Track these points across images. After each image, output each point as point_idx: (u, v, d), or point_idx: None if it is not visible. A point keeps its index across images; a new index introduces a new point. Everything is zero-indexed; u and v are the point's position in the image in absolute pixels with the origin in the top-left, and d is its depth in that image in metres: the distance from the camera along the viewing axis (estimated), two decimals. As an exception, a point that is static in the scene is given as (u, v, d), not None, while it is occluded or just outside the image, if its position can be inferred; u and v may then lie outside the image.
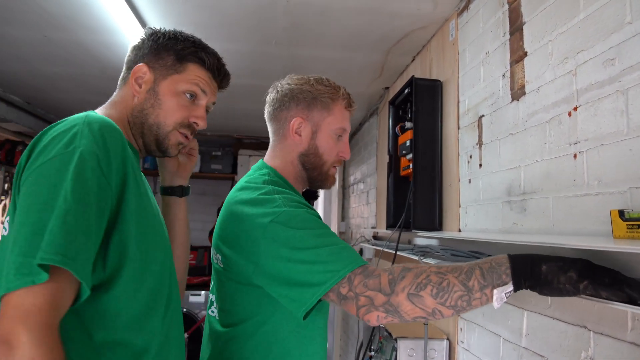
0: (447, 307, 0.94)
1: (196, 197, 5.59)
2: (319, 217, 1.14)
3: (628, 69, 1.07)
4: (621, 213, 0.98)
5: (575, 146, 1.23)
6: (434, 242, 2.17)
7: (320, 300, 1.01)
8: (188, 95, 1.15)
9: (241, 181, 1.30)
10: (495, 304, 0.94)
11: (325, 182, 1.33)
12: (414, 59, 2.71)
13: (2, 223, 0.93)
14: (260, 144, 5.26)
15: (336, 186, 5.55)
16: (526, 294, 1.42)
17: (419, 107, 2.21)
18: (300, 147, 1.30)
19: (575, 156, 1.23)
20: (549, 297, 1.31)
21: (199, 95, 1.17)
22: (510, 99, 1.58)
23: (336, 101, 1.31)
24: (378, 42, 2.53)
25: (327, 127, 1.29)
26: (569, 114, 1.26)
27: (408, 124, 2.31)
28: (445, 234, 2.03)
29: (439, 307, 0.95)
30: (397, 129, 2.47)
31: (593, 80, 1.18)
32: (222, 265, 1.21)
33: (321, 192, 7.21)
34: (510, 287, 0.93)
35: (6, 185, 3.97)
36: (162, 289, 1.02)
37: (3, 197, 3.98)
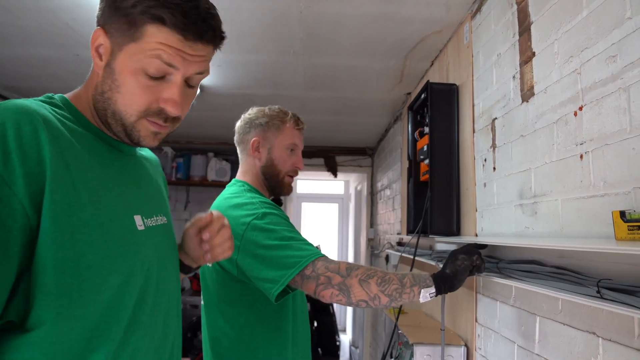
0: (385, 294, 1.24)
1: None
2: (288, 219, 1.44)
3: (629, 65, 1.03)
4: (622, 214, 0.95)
5: (582, 146, 1.19)
6: (453, 247, 2.13)
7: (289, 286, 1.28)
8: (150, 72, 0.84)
9: (223, 193, 1.57)
10: (421, 299, 1.27)
11: (282, 188, 1.62)
12: (432, 64, 2.69)
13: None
14: (288, 153, 5.31)
15: (364, 193, 5.54)
16: (538, 299, 1.38)
17: (435, 112, 2.19)
18: (260, 162, 1.60)
19: (581, 157, 1.19)
20: (559, 303, 1.27)
21: (166, 69, 0.84)
22: (521, 101, 1.54)
23: (285, 122, 1.61)
24: (395, 48, 2.53)
25: (279, 144, 1.60)
26: (575, 114, 1.23)
27: (426, 129, 2.29)
28: (462, 238, 1.99)
29: (380, 294, 1.24)
30: (416, 133, 2.45)
31: (597, 78, 1.14)
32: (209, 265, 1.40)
33: (352, 199, 7.20)
34: (433, 290, 1.28)
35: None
36: (114, 322, 0.78)
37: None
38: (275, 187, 1.61)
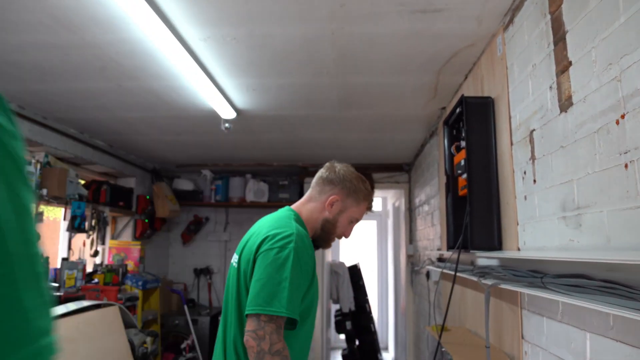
0: None
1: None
2: (314, 267, 1.50)
3: (672, 70, 1.00)
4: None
5: (626, 155, 1.15)
6: (494, 262, 2.08)
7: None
8: None
9: (273, 214, 1.65)
10: None
11: (325, 244, 1.72)
12: (466, 77, 2.67)
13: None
14: (325, 171, 5.31)
15: (402, 209, 5.49)
16: (587, 315, 1.33)
17: (471, 126, 2.16)
18: (327, 214, 1.69)
19: (626, 166, 1.15)
20: (611, 319, 1.21)
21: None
22: (559, 111, 1.51)
23: (365, 201, 1.73)
24: (427, 64, 2.52)
25: (350, 213, 1.71)
26: (617, 122, 1.19)
27: (463, 143, 2.26)
28: (504, 253, 1.95)
29: None
30: (453, 148, 2.42)
31: (639, 85, 1.11)
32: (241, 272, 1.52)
33: (390, 216, 7.13)
34: None
35: (93, 222, 4.30)
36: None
37: (91, 232, 4.31)
38: (321, 240, 1.71)
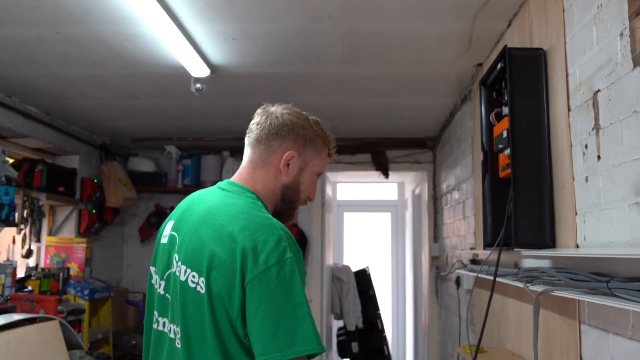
0: None
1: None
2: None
3: None
4: None
5: None
6: (545, 263, 2.09)
7: None
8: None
9: (229, 202, 1.49)
10: None
11: (290, 216, 1.65)
12: (510, 24, 2.66)
13: None
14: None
15: (424, 197, 5.51)
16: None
17: (517, 86, 2.16)
18: (285, 179, 1.59)
19: None
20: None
21: None
22: (632, 65, 1.50)
23: (325, 147, 1.65)
24: (460, 5, 2.51)
25: (312, 168, 1.63)
26: None
27: (505, 109, 2.26)
28: (558, 251, 1.96)
29: None
30: (492, 116, 2.42)
31: None
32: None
33: (408, 206, 7.17)
34: None
35: (25, 212, 4.29)
36: None
37: (22, 226, 4.31)
38: (284, 212, 1.63)
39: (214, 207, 1.47)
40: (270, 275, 1.31)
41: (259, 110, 1.65)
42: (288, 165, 1.58)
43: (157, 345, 1.51)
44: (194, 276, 1.40)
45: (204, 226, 1.43)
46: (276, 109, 1.62)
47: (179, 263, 1.44)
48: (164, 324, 1.50)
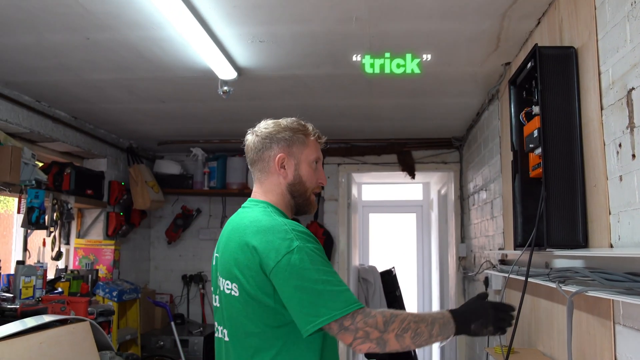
0: (415, 345, 1.60)
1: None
2: (323, 251, 1.68)
3: None
4: None
5: None
6: (577, 263, 2.08)
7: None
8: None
9: (247, 216, 1.79)
10: (439, 344, 1.70)
11: (309, 206, 1.92)
12: (539, 22, 2.64)
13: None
14: (351, 149, 5.32)
15: (451, 197, 5.49)
16: None
17: (548, 85, 2.15)
18: (287, 179, 1.86)
19: None
20: None
21: None
22: (668, 63, 1.49)
23: (309, 136, 1.90)
24: (488, 4, 2.51)
25: (306, 159, 1.88)
26: None
27: (535, 109, 2.26)
28: (592, 251, 1.95)
29: (411, 345, 1.60)
30: (522, 115, 2.42)
31: None
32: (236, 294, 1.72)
33: (434, 207, 7.15)
34: (452, 337, 1.67)
35: (55, 215, 4.37)
36: None
37: (52, 229, 4.39)
38: (302, 205, 1.90)
39: (237, 224, 1.79)
40: (282, 267, 1.59)
41: (246, 137, 1.94)
42: (284, 167, 1.85)
43: (219, 349, 1.84)
44: (228, 284, 1.74)
45: (230, 242, 1.76)
46: (256, 128, 1.92)
47: (221, 277, 1.78)
48: (220, 330, 1.81)
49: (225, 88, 3.44)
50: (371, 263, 7.59)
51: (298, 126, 1.90)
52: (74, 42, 2.95)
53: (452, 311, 1.68)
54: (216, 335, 1.86)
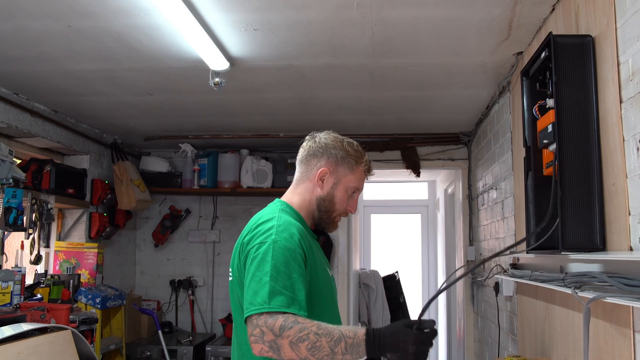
0: (316, 359, 1.64)
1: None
2: (302, 255, 1.82)
3: None
4: None
5: None
6: (594, 267, 2.09)
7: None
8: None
9: (256, 215, 2.00)
10: None
11: (329, 225, 2.11)
12: (553, 9, 2.65)
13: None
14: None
15: (459, 197, 5.50)
16: None
17: (563, 76, 2.15)
18: (320, 192, 2.05)
19: None
20: None
21: None
22: (692, 53, 1.50)
23: (359, 165, 2.08)
24: (499, -9, 2.51)
25: (346, 183, 2.06)
26: None
27: (550, 102, 2.26)
28: (610, 254, 1.95)
29: (310, 357, 1.64)
30: (535, 109, 2.42)
31: None
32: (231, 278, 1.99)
33: (441, 207, 7.15)
34: (364, 358, 1.67)
35: (34, 216, 4.36)
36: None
37: (31, 231, 4.38)
38: (323, 222, 2.09)
39: (252, 220, 1.97)
40: (250, 253, 1.81)
41: (307, 137, 2.13)
42: (323, 180, 2.03)
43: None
44: (229, 271, 1.99)
45: (238, 239, 1.97)
46: (319, 134, 2.10)
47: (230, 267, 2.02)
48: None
49: (217, 79, 3.43)
50: (373, 267, 7.61)
51: (354, 151, 2.07)
52: (55, 30, 2.94)
53: (368, 332, 1.65)
54: None
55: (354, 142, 2.13)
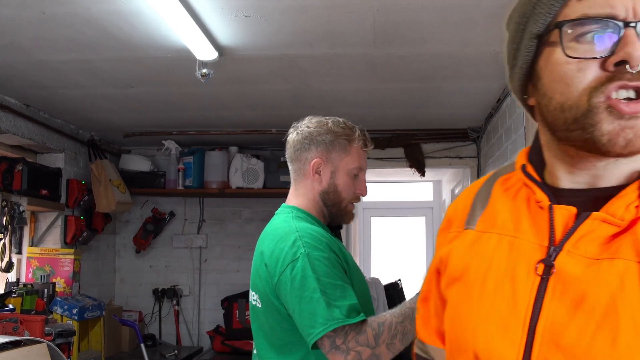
0: (405, 344, 1.69)
1: (259, 226, 5.77)
2: (337, 256, 1.85)
3: None
4: None
5: None
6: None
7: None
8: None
9: (271, 224, 2.04)
10: None
11: (344, 217, 2.10)
12: (571, -6, 2.64)
13: None
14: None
15: (467, 198, 5.48)
16: None
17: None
18: (321, 186, 2.03)
19: None
20: None
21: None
22: None
23: (352, 142, 2.03)
24: (512, -27, 2.50)
25: (344, 167, 2.02)
26: None
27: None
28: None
29: (402, 347, 1.70)
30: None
31: None
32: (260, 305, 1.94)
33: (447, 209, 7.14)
34: None
35: (4, 219, 4.33)
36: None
37: (1, 235, 4.34)
38: (336, 215, 2.07)
39: (263, 233, 2.01)
40: (284, 278, 1.78)
41: (290, 129, 2.13)
42: (319, 172, 2.01)
43: None
44: (253, 294, 1.98)
45: (256, 253, 2.00)
46: (301, 123, 2.09)
47: (251, 290, 2.02)
48: (254, 345, 2.04)
49: (204, 70, 3.42)
50: (373, 274, 7.58)
51: (342, 130, 2.03)
52: (27, 17, 2.92)
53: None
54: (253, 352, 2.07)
55: (340, 119, 2.08)
